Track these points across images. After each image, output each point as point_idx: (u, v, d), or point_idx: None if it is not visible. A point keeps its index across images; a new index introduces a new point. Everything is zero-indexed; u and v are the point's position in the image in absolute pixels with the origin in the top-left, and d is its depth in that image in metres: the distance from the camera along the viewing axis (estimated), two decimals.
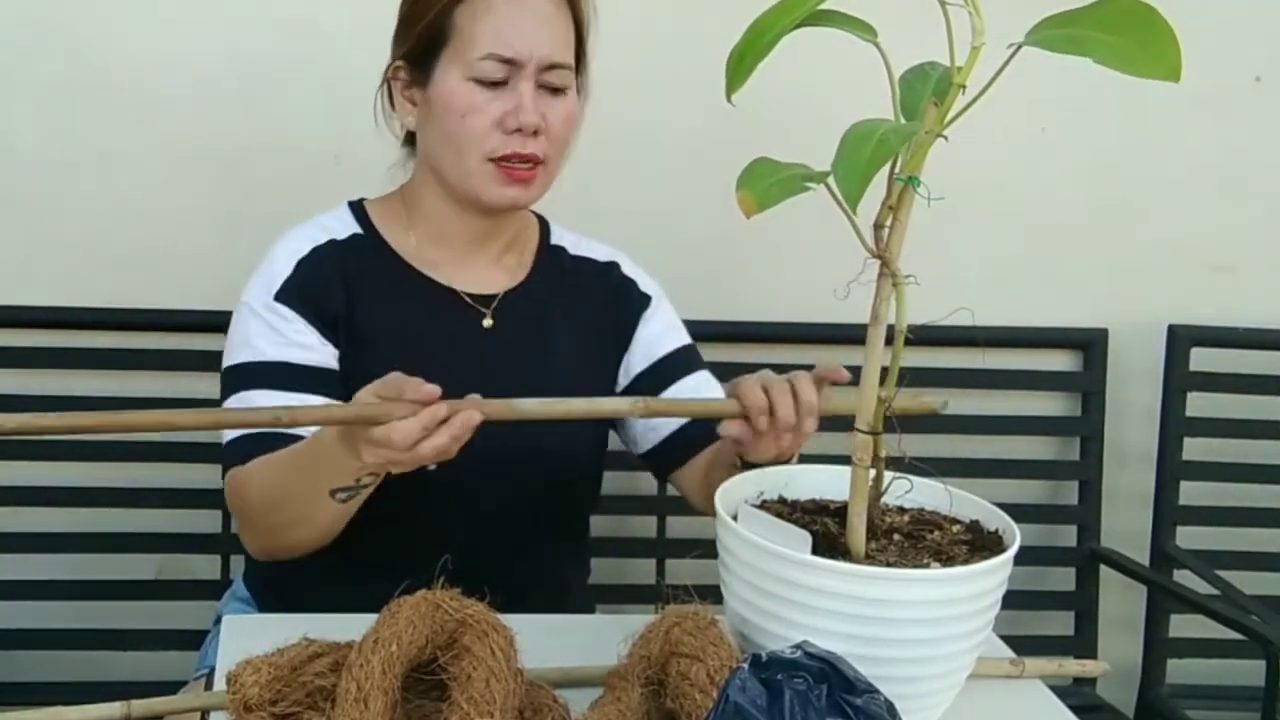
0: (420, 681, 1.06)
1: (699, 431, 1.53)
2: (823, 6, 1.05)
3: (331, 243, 1.51)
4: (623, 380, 1.60)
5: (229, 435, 1.43)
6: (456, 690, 1.01)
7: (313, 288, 1.47)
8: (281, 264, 1.48)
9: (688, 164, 2.07)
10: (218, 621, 1.62)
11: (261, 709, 1.05)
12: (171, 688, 1.52)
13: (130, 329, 2.01)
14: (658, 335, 1.61)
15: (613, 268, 1.62)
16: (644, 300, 1.62)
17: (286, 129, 2.00)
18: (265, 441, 1.38)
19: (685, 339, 1.63)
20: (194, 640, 1.66)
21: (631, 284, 1.62)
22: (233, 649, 1.13)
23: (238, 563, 1.72)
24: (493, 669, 1.02)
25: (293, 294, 1.47)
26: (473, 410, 1.20)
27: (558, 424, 1.37)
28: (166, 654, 1.93)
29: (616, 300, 1.61)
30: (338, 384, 1.45)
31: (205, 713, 1.16)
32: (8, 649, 1.99)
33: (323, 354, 1.46)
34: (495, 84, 1.43)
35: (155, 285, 2.00)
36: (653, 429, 1.59)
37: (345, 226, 1.53)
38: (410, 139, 1.55)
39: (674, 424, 1.57)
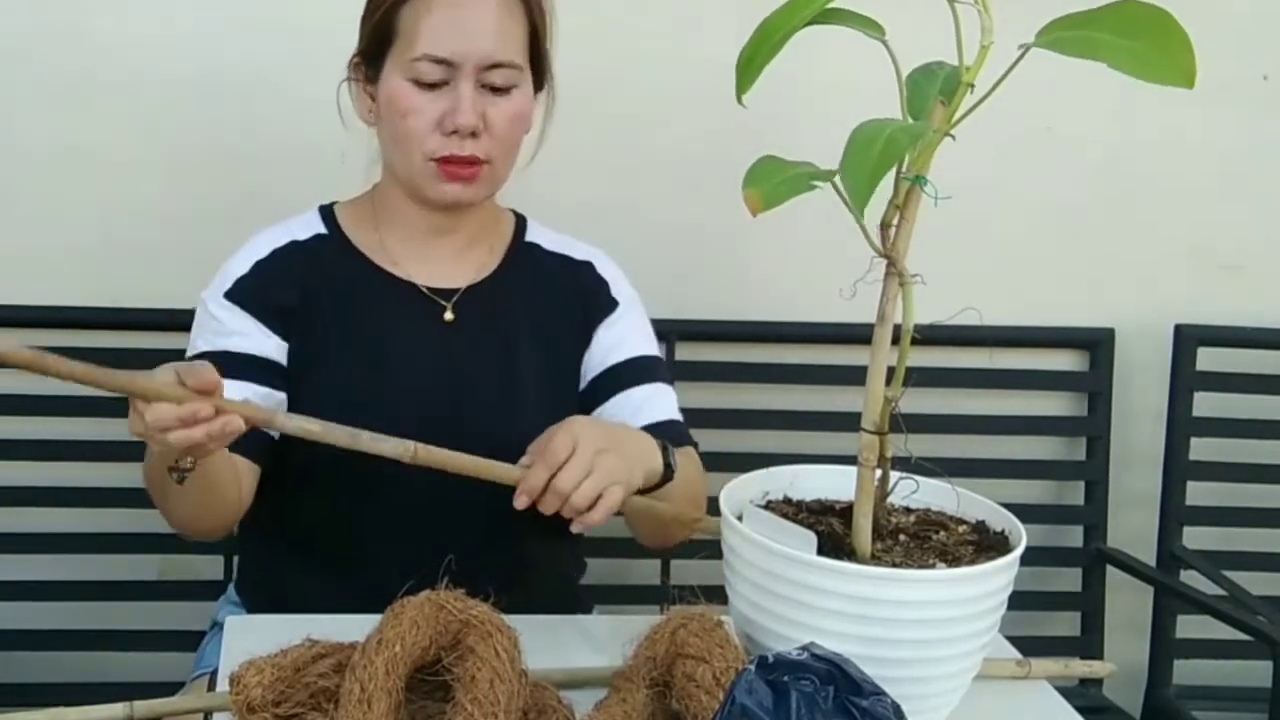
0: (424, 682, 1.06)
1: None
2: (830, 5, 1.04)
3: (293, 243, 1.53)
4: (581, 383, 1.57)
5: None
6: (460, 691, 1.01)
7: (265, 286, 1.49)
8: (241, 265, 1.51)
9: (692, 162, 2.07)
10: (214, 625, 1.62)
11: (265, 710, 1.04)
12: (174, 688, 1.52)
13: (130, 329, 2.00)
14: (616, 341, 1.57)
15: (586, 267, 1.60)
16: (611, 304, 1.58)
17: (290, 127, 2.00)
18: None
19: (648, 349, 1.59)
20: (197, 641, 1.66)
21: (603, 285, 1.59)
22: (235, 650, 1.13)
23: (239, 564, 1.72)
24: (497, 670, 1.01)
25: (243, 292, 1.48)
26: (236, 415, 1.16)
27: (512, 423, 1.40)
28: (169, 655, 1.92)
29: (584, 299, 1.58)
30: (276, 374, 1.46)
31: (208, 714, 1.16)
32: (9, 649, 1.98)
33: (259, 342, 1.47)
34: (435, 85, 1.43)
35: (155, 285, 2.00)
36: None
37: (309, 228, 1.55)
38: None
39: None
